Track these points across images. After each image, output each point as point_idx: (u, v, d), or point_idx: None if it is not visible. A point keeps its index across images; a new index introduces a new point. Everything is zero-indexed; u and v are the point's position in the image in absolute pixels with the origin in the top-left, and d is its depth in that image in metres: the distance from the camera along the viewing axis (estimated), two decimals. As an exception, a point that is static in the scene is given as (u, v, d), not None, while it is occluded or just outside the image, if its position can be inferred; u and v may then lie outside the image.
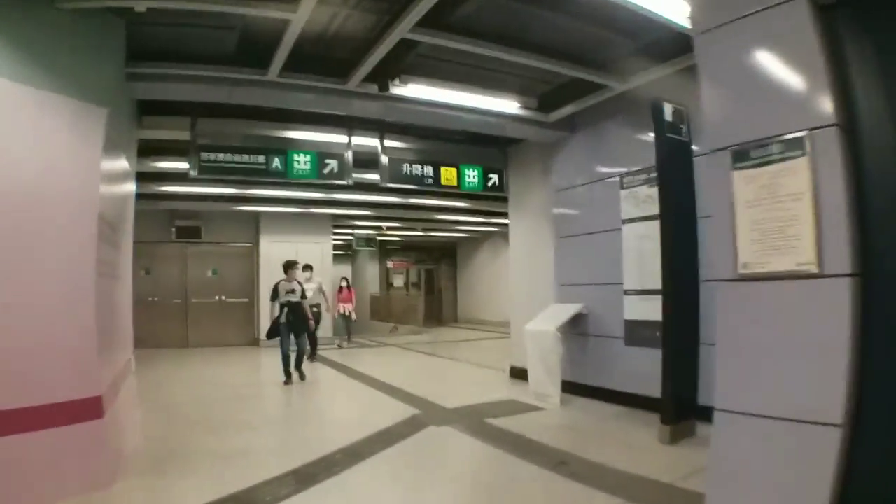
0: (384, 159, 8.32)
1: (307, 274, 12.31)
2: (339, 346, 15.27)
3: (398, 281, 26.85)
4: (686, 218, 6.22)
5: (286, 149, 7.95)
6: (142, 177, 11.46)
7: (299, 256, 15.84)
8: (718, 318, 3.51)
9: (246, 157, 7.69)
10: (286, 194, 13.10)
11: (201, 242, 15.84)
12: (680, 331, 6.02)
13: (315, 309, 11.84)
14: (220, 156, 7.61)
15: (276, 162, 7.80)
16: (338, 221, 18.55)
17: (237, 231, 16.34)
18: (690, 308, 6.17)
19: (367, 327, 23.51)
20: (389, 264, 26.69)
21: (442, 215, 17.22)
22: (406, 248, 26.90)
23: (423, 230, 21.59)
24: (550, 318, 8.01)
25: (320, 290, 13.14)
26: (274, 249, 15.81)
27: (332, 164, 8.03)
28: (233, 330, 15.91)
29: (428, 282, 27.49)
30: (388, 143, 8.61)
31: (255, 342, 15.77)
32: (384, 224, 20.22)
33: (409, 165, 8.54)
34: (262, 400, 8.49)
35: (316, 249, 16.50)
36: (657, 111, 6.13)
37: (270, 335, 9.37)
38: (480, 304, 24.35)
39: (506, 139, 9.48)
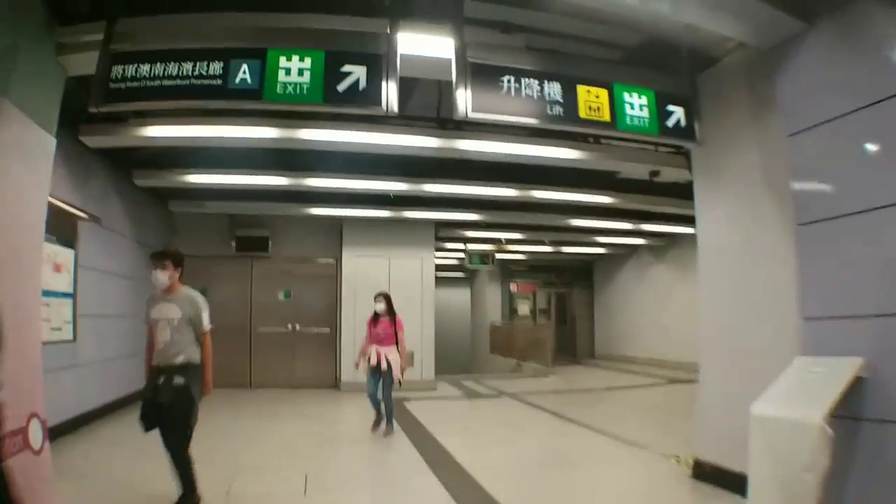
0: (461, 66, 4.52)
1: (163, 276, 4.90)
2: (375, 430, 8.11)
3: (523, 308, 22.85)
4: None
5: (264, 46, 4.36)
6: (156, 162, 8.89)
7: (392, 274, 12.82)
8: None
9: (188, 67, 4.19)
10: (356, 185, 9.63)
11: (270, 257, 12.83)
12: None
13: (178, 382, 4.70)
14: (143, 68, 4.19)
15: (244, 71, 4.21)
16: (445, 233, 15.01)
17: (315, 243, 13.28)
18: None
19: (484, 364, 20.18)
20: (513, 287, 22.78)
21: (577, 219, 13.03)
22: (533, 267, 22.82)
23: (551, 243, 17.61)
24: (802, 390, 3.93)
25: (191, 322, 4.93)
26: (360, 266, 12.93)
27: (356, 73, 4.29)
28: (308, 367, 12.84)
29: (559, 309, 23.28)
30: (472, 37, 4.75)
31: (335, 384, 12.72)
32: (503, 236, 16.43)
33: (511, 80, 4.69)
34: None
35: (414, 266, 13.23)
36: None
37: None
38: (623, 337, 20.00)
39: (690, 54, 5.46)
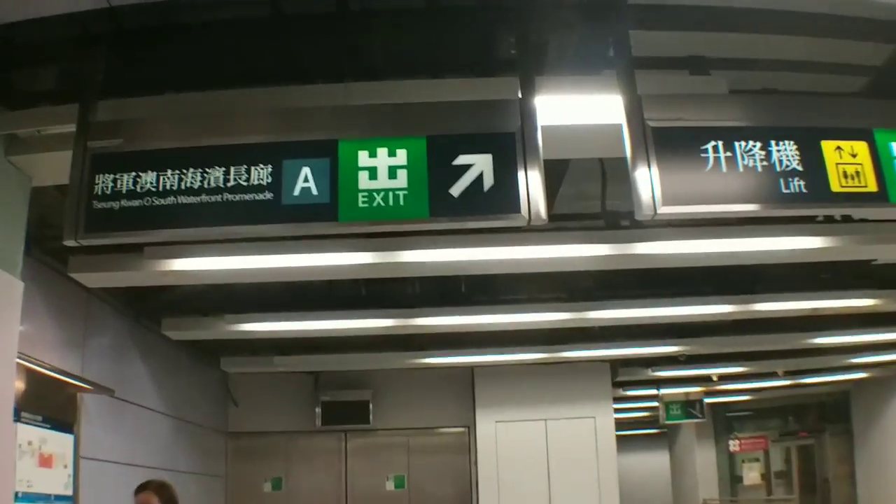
0: (638, 133, 3.93)
1: None
2: None
3: (751, 473, 21.68)
4: None
5: (333, 137, 3.87)
6: (196, 303, 9.08)
7: (551, 441, 13.14)
8: None
9: (217, 175, 3.63)
10: (490, 320, 9.15)
11: (371, 430, 12.64)
12: None
13: None
14: (146, 177, 3.73)
15: (305, 178, 3.72)
16: (626, 374, 14.35)
17: (436, 405, 13.29)
18: None
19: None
20: (733, 445, 21.71)
21: (822, 336, 11.85)
22: (761, 411, 21.78)
23: (786, 374, 16.52)
24: None
25: None
26: (504, 434, 12.80)
27: (477, 164, 3.79)
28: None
29: (803, 469, 21.57)
30: (648, 87, 4.17)
31: None
32: (714, 371, 15.61)
33: (718, 147, 4.05)
34: None
35: (583, 428, 13.07)
36: None
37: None
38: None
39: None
